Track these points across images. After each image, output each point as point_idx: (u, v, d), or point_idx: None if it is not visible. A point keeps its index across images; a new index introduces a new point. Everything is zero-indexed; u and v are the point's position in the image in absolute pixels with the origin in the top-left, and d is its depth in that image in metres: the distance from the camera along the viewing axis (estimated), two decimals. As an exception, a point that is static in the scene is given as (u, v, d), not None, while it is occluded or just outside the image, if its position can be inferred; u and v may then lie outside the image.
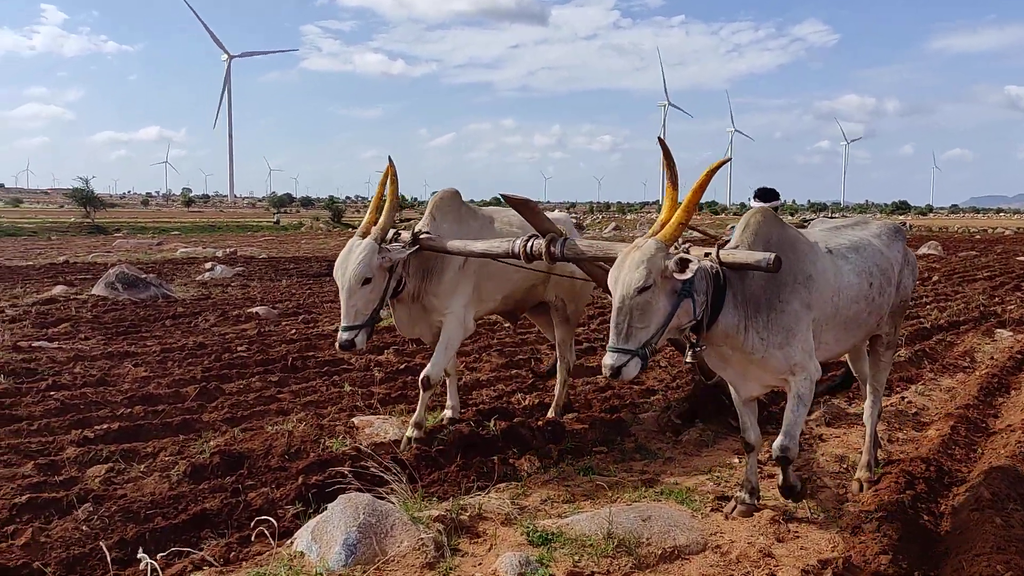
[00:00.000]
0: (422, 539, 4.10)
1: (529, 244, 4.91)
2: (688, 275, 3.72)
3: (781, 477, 4.63)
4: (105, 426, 6.03)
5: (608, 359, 3.75)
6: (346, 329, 5.12)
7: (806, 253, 4.38)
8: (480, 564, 4.03)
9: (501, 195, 4.87)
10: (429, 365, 5.71)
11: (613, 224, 45.09)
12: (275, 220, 51.32)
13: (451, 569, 3.94)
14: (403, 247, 5.35)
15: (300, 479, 4.91)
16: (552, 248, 4.78)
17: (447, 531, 4.26)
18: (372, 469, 4.78)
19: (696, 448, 6.04)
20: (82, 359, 8.47)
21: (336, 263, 5.24)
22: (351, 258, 5.13)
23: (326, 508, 4.27)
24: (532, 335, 10.33)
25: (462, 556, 4.12)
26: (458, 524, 4.41)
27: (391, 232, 5.43)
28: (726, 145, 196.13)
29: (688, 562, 4.14)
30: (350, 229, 5.93)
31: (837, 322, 4.57)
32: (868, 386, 5.46)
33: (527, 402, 7.03)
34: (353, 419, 6.44)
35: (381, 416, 6.51)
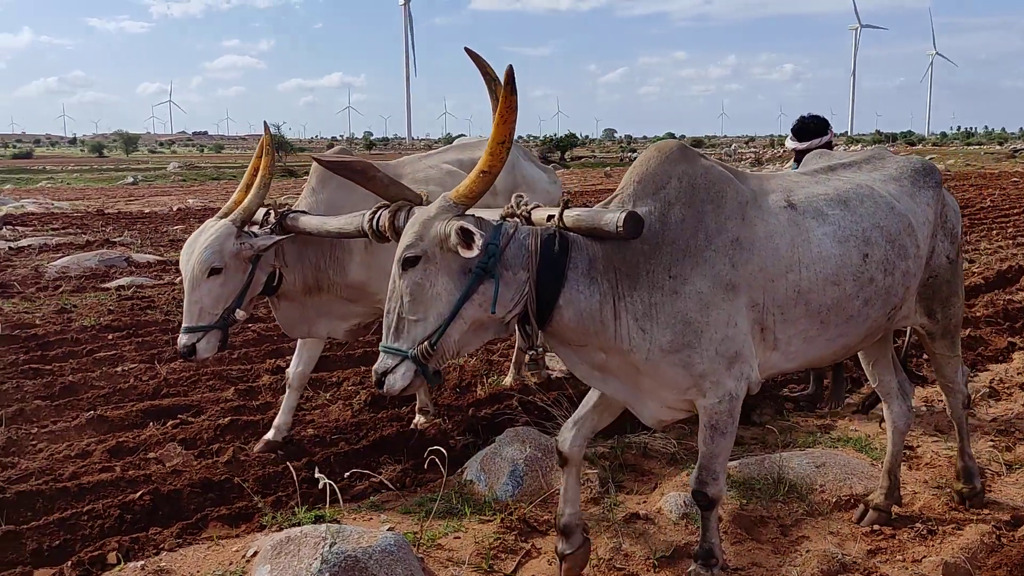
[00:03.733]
0: (587, 475, 4.17)
1: (375, 219, 3.58)
2: (474, 252, 2.62)
3: (700, 533, 3.22)
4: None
5: (377, 362, 2.79)
6: (187, 331, 3.97)
7: (735, 207, 2.95)
8: (645, 502, 4.05)
9: (313, 158, 3.96)
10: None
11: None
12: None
13: (615, 505, 3.98)
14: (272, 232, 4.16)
15: (470, 411, 5.10)
16: (396, 222, 3.46)
17: (612, 468, 4.31)
18: (539, 404, 4.89)
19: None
20: (276, 294, 9.10)
21: (184, 247, 4.12)
22: (199, 242, 4.03)
23: (494, 440, 4.43)
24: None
25: (627, 493, 4.15)
26: (623, 462, 4.45)
27: (274, 213, 4.23)
28: (924, 69, 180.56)
29: (864, 512, 3.96)
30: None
31: (804, 313, 3.05)
32: (940, 388, 4.00)
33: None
34: (523, 356, 6.57)
35: (550, 353, 6.61)
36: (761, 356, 3.03)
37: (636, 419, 4.92)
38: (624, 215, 2.72)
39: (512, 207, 2.97)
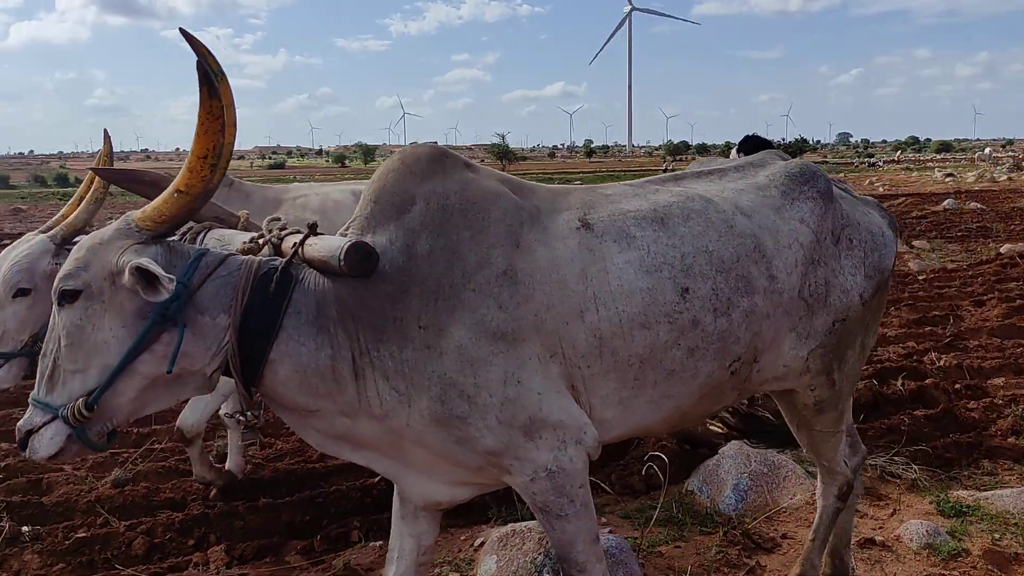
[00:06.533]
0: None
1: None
2: (162, 296, 2.07)
3: None
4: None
5: (24, 417, 2.18)
6: None
7: (505, 232, 2.31)
8: (881, 528, 3.80)
9: (91, 169, 3.34)
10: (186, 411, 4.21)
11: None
12: (663, 168, 52.18)
13: (848, 529, 3.77)
14: None
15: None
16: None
17: (844, 489, 4.09)
18: (766, 419, 4.73)
19: None
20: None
21: None
22: (8, 257, 3.47)
23: (718, 452, 4.34)
24: (951, 289, 9.35)
25: (860, 517, 3.91)
26: (857, 484, 4.20)
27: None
28: None
29: None
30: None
31: (612, 366, 2.34)
32: (816, 464, 3.16)
33: (942, 362, 6.37)
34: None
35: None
36: None
37: (875, 440, 4.71)
38: (345, 247, 2.14)
39: (264, 231, 2.43)
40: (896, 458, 4.47)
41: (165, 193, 2.17)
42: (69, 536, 3.78)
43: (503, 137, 51.19)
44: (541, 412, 2.23)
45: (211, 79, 2.05)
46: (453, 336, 2.17)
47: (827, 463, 3.02)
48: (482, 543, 3.53)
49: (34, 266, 3.38)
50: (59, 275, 2.15)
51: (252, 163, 75.00)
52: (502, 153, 48.90)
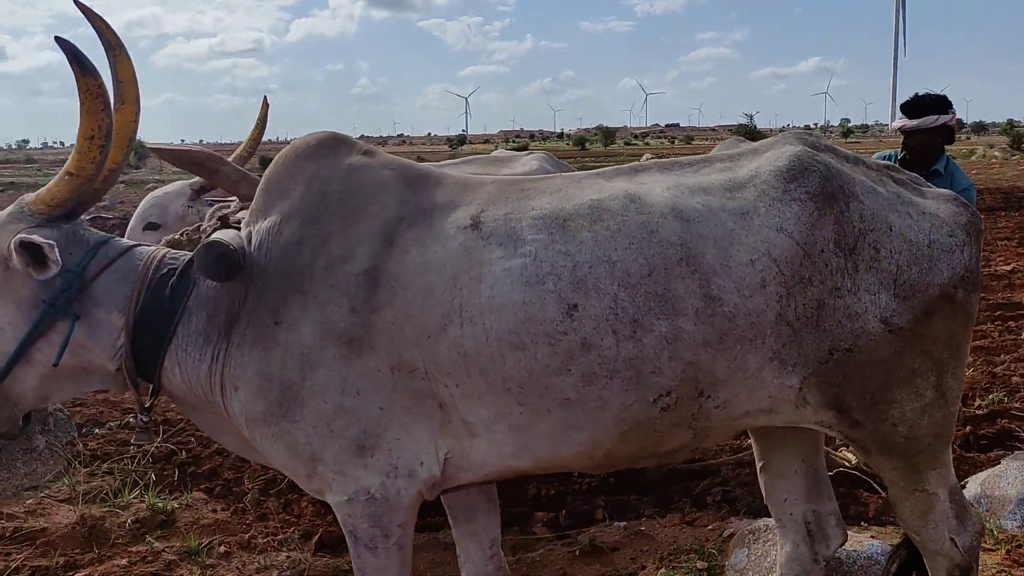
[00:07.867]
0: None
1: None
2: (50, 272, 2.05)
3: None
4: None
5: None
6: None
7: (380, 226, 2.10)
8: None
9: (148, 147, 3.33)
10: None
11: None
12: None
13: None
14: None
15: (967, 428, 4.61)
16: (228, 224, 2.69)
17: None
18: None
19: None
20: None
21: None
22: (151, 195, 3.84)
23: (1000, 462, 3.95)
24: None
25: None
26: None
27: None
28: None
29: None
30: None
31: (486, 387, 2.05)
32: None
33: None
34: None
35: None
36: (456, 444, 2.13)
37: None
38: (199, 248, 2.07)
39: (206, 220, 2.35)
40: None
41: (57, 176, 2.18)
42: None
43: (751, 117, 49.61)
44: (378, 428, 2.08)
45: (80, 58, 2.03)
46: (299, 333, 2.06)
47: (916, 535, 2.36)
48: (731, 535, 3.43)
49: (168, 205, 3.74)
50: None
51: (497, 146, 78.26)
52: (750, 134, 47.25)
